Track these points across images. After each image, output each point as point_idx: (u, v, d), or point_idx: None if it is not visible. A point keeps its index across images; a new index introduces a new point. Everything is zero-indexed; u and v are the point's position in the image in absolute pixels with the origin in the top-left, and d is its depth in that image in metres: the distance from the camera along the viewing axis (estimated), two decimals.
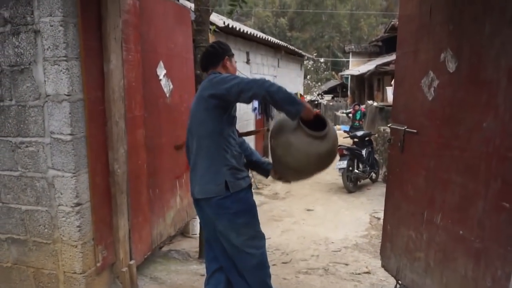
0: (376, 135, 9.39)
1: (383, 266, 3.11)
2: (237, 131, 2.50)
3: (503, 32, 2.01)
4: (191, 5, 4.69)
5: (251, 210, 2.39)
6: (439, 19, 2.45)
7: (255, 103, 7.40)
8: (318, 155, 2.22)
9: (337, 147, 2.37)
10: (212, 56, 2.46)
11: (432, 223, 2.53)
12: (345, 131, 11.97)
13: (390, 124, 2.98)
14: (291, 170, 2.35)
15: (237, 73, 2.53)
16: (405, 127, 2.75)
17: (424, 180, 2.60)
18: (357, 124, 12.17)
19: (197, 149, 2.32)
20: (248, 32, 7.76)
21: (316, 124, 2.24)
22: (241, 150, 2.44)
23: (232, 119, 2.36)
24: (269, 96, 2.12)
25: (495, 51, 2.07)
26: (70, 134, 2.39)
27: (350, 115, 13.13)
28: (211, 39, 4.86)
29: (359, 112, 12.50)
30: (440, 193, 2.47)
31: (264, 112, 8.85)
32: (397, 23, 3.16)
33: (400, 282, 2.91)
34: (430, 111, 2.54)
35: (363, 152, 8.28)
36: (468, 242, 2.26)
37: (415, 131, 2.67)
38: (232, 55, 2.52)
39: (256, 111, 8.66)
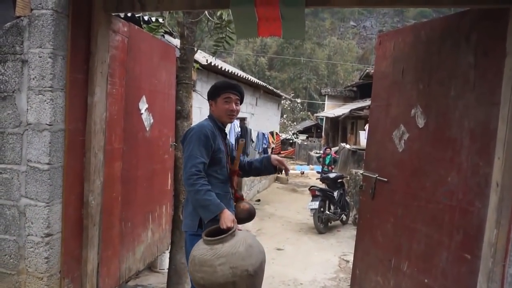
0: (348, 178, 9.60)
1: None
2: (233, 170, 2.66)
3: (466, 96, 2.21)
4: (177, 42, 4.83)
5: None
6: (410, 78, 2.65)
7: (232, 139, 7.49)
8: (192, 258, 2.16)
9: (223, 264, 2.09)
10: (208, 95, 2.67)
11: (399, 270, 2.62)
12: (318, 172, 12.15)
13: (362, 171, 3.11)
14: (194, 283, 2.22)
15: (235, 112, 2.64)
16: (377, 175, 2.88)
17: (392, 228, 2.71)
18: (327, 170, 11.67)
19: None
20: (229, 71, 7.97)
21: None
22: (240, 169, 2.68)
23: (216, 160, 2.46)
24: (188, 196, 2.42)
25: (459, 113, 2.25)
26: (48, 164, 2.38)
27: (321, 159, 12.62)
28: (194, 76, 4.99)
29: (329, 156, 12.05)
30: (407, 241, 2.58)
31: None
32: (372, 71, 3.38)
33: None
34: (400, 162, 2.69)
35: (335, 193, 8.42)
36: None
37: (385, 179, 2.80)
38: (219, 95, 2.59)
39: (232, 147, 8.76)
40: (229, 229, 2.21)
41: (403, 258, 2.59)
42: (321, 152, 13.09)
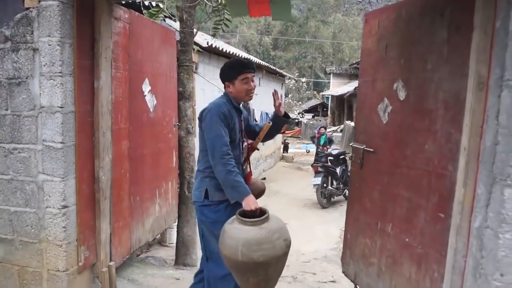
0: (351, 154, 9.80)
1: (343, 271, 3.40)
2: (250, 146, 2.80)
3: (440, 69, 2.39)
4: (178, 25, 4.99)
5: None
6: (393, 54, 2.82)
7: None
8: (246, 240, 2.17)
9: (278, 238, 2.22)
10: (222, 76, 2.71)
11: (384, 232, 2.85)
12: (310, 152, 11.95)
13: (352, 143, 3.32)
14: (227, 261, 2.29)
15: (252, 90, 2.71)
16: (364, 146, 3.09)
17: (379, 194, 2.93)
18: (321, 151, 10.95)
19: (198, 158, 2.69)
20: (230, 52, 8.12)
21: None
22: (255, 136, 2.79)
23: (231, 139, 2.56)
24: (218, 175, 2.46)
25: (434, 85, 2.43)
26: (61, 143, 2.63)
27: (315, 139, 11.91)
28: (195, 58, 5.17)
29: (324, 136, 11.38)
30: (391, 206, 2.80)
31: None
32: None
33: (358, 286, 3.21)
34: (384, 133, 2.89)
35: (337, 170, 8.66)
36: (412, 249, 2.59)
37: (372, 150, 3.01)
38: (235, 77, 2.62)
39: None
40: (253, 211, 2.35)
41: (388, 221, 2.82)
42: (316, 132, 12.37)
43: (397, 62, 2.77)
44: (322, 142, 11.25)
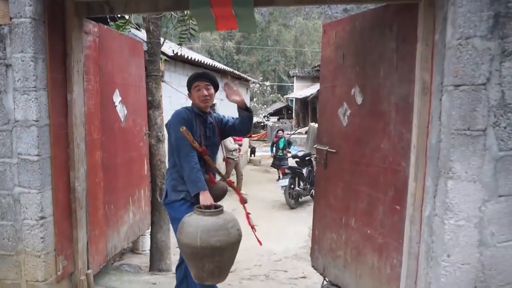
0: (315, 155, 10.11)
1: (313, 266, 3.63)
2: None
3: (391, 76, 2.66)
4: (144, 35, 5.09)
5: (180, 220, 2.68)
6: (349, 62, 3.08)
7: None
8: (205, 227, 2.46)
9: (232, 227, 2.53)
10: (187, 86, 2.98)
11: (348, 226, 3.10)
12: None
13: (315, 145, 3.56)
14: (185, 248, 2.54)
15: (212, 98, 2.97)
16: (327, 147, 3.33)
17: (342, 191, 3.18)
18: (281, 154, 10.70)
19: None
20: (195, 59, 8.25)
21: None
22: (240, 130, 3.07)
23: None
24: (183, 172, 2.72)
25: (387, 90, 2.70)
26: (37, 155, 2.69)
27: (274, 144, 11.16)
28: (162, 67, 5.28)
29: (282, 139, 10.85)
30: (354, 201, 3.05)
31: None
32: None
33: (326, 278, 3.44)
34: (345, 135, 3.14)
35: (304, 171, 8.94)
36: (373, 239, 2.84)
37: (334, 151, 3.25)
38: (192, 86, 2.92)
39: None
40: (207, 206, 2.63)
41: (351, 216, 3.06)
42: (274, 135, 11.70)
43: (353, 70, 3.03)
44: (281, 145, 10.80)
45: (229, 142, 9.92)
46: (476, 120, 2.01)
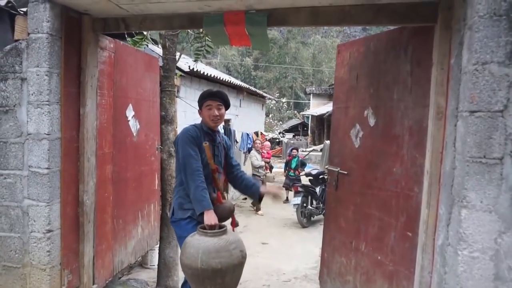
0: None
1: None
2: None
3: (405, 99, 2.60)
4: (161, 51, 5.15)
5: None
6: (363, 84, 3.04)
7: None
8: (206, 248, 2.42)
9: (235, 248, 2.47)
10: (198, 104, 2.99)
11: (358, 250, 3.01)
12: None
13: (327, 166, 3.50)
14: (187, 269, 2.48)
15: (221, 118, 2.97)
16: (339, 168, 3.27)
17: (353, 214, 3.10)
18: (293, 174, 9.96)
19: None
20: (212, 75, 8.31)
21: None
22: (233, 178, 3.07)
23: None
24: (188, 190, 2.71)
25: (401, 113, 2.65)
26: (47, 168, 2.72)
27: (286, 163, 10.49)
28: (177, 82, 5.33)
29: (295, 159, 10.11)
30: (364, 225, 2.97)
31: None
32: None
33: None
34: (357, 157, 3.08)
35: (317, 189, 8.82)
36: (384, 266, 2.75)
37: (346, 172, 3.19)
38: (204, 104, 2.91)
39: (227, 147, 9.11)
40: (211, 226, 2.58)
41: (361, 240, 2.98)
42: (287, 154, 10.82)
43: (367, 91, 2.99)
44: (293, 165, 10.04)
45: (255, 158, 9.55)
46: (492, 148, 1.94)
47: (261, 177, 9.35)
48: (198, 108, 3.00)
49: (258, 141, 10.23)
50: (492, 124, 1.93)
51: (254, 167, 9.33)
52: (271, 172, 10.44)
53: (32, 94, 2.70)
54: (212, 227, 2.57)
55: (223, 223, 2.70)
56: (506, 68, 1.92)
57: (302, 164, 10.44)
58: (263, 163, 9.41)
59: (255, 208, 9.43)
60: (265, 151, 9.78)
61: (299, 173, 10.04)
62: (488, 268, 1.98)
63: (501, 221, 1.97)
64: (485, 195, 1.95)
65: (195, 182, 2.66)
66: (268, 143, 10.61)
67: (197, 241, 2.48)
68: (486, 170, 1.95)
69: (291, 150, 10.48)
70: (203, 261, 2.40)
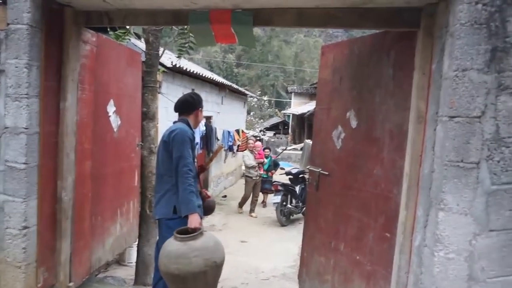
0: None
1: None
2: (200, 166, 3.11)
3: (387, 102, 2.65)
4: (143, 45, 5.08)
5: None
6: (346, 86, 3.08)
7: (197, 139, 7.79)
8: (168, 253, 2.50)
9: (197, 256, 2.47)
10: (189, 105, 3.08)
11: (337, 250, 3.05)
12: (281, 168, 11.79)
13: (308, 166, 3.53)
14: (165, 275, 2.56)
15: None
16: (320, 169, 3.30)
17: (332, 215, 3.14)
18: (265, 176, 9.30)
19: (159, 179, 2.96)
20: (194, 71, 8.25)
21: None
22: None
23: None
24: (178, 189, 2.75)
25: (382, 116, 2.69)
26: (24, 163, 2.65)
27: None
28: (159, 78, 5.27)
29: (268, 160, 9.42)
30: (344, 226, 3.01)
31: (205, 146, 9.25)
32: None
33: None
34: (338, 158, 3.12)
35: (297, 188, 8.88)
36: (362, 266, 2.80)
37: (327, 173, 3.23)
38: (202, 107, 3.14)
39: (198, 146, 9.05)
40: (195, 229, 2.62)
41: (341, 240, 3.02)
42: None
43: (350, 93, 3.03)
44: (266, 167, 9.32)
45: (248, 158, 9.06)
46: (469, 153, 1.99)
47: (254, 178, 8.98)
48: (194, 109, 3.07)
49: (251, 141, 9.86)
50: (470, 129, 1.99)
51: (247, 167, 9.02)
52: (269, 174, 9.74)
53: (11, 87, 2.62)
54: (195, 229, 2.62)
55: (201, 227, 2.72)
56: (484, 75, 1.98)
57: (275, 165, 9.94)
58: (255, 163, 8.99)
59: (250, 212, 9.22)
60: (256, 152, 9.46)
61: (272, 175, 9.57)
62: (463, 269, 2.05)
63: (476, 224, 2.04)
64: (462, 198, 2.01)
65: (184, 185, 2.72)
66: (259, 143, 10.09)
67: (167, 244, 2.57)
68: (463, 174, 2.00)
69: (263, 150, 9.64)
70: (164, 265, 2.50)
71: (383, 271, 2.59)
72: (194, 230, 2.61)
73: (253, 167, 8.97)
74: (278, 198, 8.29)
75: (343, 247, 2.99)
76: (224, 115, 11.16)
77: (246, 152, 9.44)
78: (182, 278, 2.44)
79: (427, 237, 2.17)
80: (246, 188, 9.15)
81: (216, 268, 2.53)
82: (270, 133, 28.44)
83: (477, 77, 1.97)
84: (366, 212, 2.79)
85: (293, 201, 8.78)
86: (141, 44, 5.92)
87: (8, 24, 2.61)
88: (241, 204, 9.31)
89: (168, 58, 7.11)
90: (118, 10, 2.83)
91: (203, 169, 3.19)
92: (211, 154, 9.33)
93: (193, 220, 2.68)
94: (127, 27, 4.66)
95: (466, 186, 2.01)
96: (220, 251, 2.60)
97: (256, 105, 32.25)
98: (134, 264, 4.75)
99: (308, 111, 19.22)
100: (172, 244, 2.54)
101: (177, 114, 3.14)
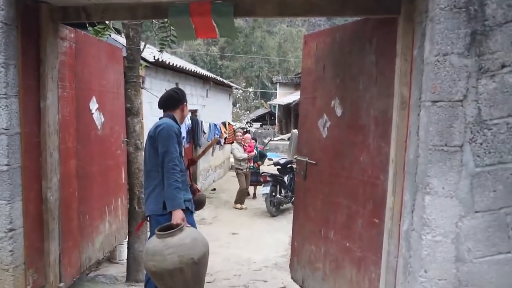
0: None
1: (292, 277, 3.60)
2: (190, 159, 3.15)
3: (371, 89, 2.66)
4: (124, 40, 5.00)
5: None
6: (329, 74, 3.08)
7: (184, 133, 7.75)
8: (147, 249, 2.58)
9: (171, 254, 2.49)
10: (174, 101, 3.07)
11: (327, 238, 3.08)
12: (269, 159, 11.82)
13: (295, 156, 3.54)
14: (147, 272, 2.65)
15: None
16: (307, 158, 3.31)
17: (321, 203, 3.16)
18: (252, 167, 9.22)
19: (147, 175, 2.96)
20: (177, 65, 8.17)
21: None
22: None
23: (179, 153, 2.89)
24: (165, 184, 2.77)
25: (366, 103, 2.70)
26: (7, 165, 2.59)
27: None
28: (142, 73, 5.20)
29: (255, 150, 9.34)
30: (333, 214, 3.03)
31: (192, 140, 9.21)
32: None
33: None
34: (324, 147, 3.13)
35: (285, 178, 8.91)
36: (352, 253, 2.83)
37: (314, 162, 3.24)
38: (187, 101, 3.16)
39: (184, 140, 9.00)
40: (178, 225, 2.64)
41: (330, 228, 3.05)
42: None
43: (333, 82, 3.03)
44: (253, 158, 9.22)
45: (237, 150, 8.98)
46: (453, 136, 2.02)
47: (244, 170, 8.96)
48: (180, 104, 3.08)
49: (239, 133, 9.62)
50: (452, 113, 2.01)
51: (237, 160, 8.95)
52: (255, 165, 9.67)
53: None
54: (178, 225, 2.64)
55: (183, 223, 2.72)
56: (465, 59, 2.00)
57: (262, 156, 9.85)
58: (246, 156, 8.93)
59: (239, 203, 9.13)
60: (246, 144, 9.24)
61: (258, 166, 9.52)
62: (450, 251, 2.08)
63: (461, 206, 2.07)
64: (447, 181, 2.04)
65: (169, 180, 2.73)
66: (248, 135, 9.96)
67: (148, 241, 2.65)
68: (447, 158, 2.03)
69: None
70: (144, 262, 2.59)
71: (373, 256, 2.62)
72: (177, 226, 2.63)
73: (243, 160, 8.91)
74: (267, 189, 8.31)
75: (333, 235, 3.02)
76: (210, 108, 11.10)
77: (235, 144, 9.32)
78: (159, 275, 2.48)
79: (414, 221, 2.20)
80: (240, 181, 9.04)
81: (194, 265, 2.50)
82: (257, 125, 28.41)
83: (458, 61, 1.99)
84: (354, 199, 2.81)
85: (282, 191, 8.82)
86: (122, 39, 5.83)
87: None
88: (241, 201, 9.08)
89: (150, 52, 7.02)
90: (96, 4, 2.77)
91: (193, 162, 3.20)
92: (199, 148, 9.30)
93: (176, 216, 2.70)
94: (106, 22, 4.57)
95: (451, 169, 2.04)
96: (198, 247, 2.57)
97: (241, 97, 32.16)
98: (125, 261, 4.73)
99: (294, 101, 19.25)
100: (151, 241, 2.60)
101: (161, 111, 3.12)
